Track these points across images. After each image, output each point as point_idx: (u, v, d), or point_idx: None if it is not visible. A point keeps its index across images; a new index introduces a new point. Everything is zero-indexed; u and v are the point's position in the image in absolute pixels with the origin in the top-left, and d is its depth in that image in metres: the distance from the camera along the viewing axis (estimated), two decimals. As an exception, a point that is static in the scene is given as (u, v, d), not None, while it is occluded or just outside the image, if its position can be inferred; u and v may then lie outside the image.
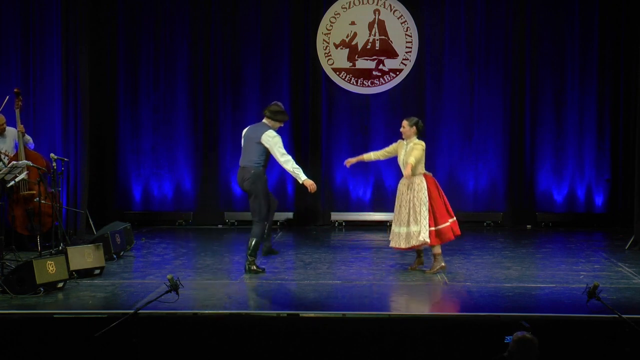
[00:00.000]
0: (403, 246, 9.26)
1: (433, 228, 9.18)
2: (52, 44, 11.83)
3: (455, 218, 9.39)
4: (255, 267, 9.27)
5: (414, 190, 9.22)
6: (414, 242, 9.17)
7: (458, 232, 9.41)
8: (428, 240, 9.13)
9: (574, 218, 13.26)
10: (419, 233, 9.12)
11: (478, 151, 13.36)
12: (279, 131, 9.41)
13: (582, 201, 13.32)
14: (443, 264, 9.35)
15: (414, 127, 9.35)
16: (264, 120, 9.41)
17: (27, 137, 10.87)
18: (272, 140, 9.23)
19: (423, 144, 9.33)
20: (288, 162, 9.23)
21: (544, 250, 11.16)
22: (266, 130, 9.28)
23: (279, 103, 9.56)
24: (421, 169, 9.29)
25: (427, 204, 9.18)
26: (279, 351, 7.06)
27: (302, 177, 9.19)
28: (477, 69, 13.30)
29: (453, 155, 13.39)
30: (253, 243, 9.26)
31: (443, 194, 9.41)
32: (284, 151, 9.26)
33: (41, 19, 11.84)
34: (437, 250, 9.34)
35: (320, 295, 8.28)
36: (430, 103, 13.37)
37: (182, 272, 9.10)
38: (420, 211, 9.15)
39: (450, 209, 9.37)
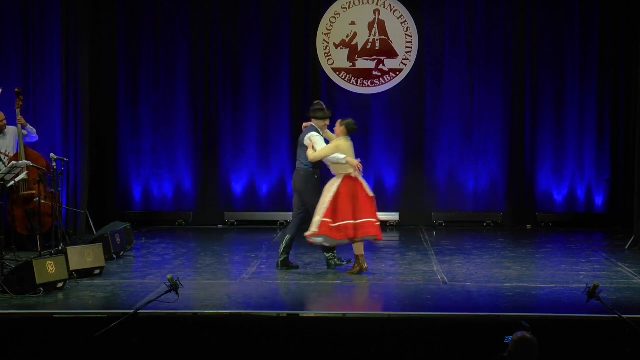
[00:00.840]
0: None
1: (328, 219, 9.13)
2: (52, 44, 11.82)
3: (368, 220, 9.19)
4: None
5: (329, 185, 9.33)
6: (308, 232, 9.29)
7: (360, 234, 9.20)
8: (315, 230, 9.14)
9: (574, 218, 13.27)
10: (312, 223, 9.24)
11: (478, 151, 13.36)
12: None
13: (582, 201, 13.32)
14: (365, 266, 9.31)
15: (343, 127, 9.41)
16: (312, 122, 9.56)
17: (30, 127, 10.83)
18: (310, 141, 9.39)
19: (338, 142, 9.32)
20: (321, 154, 9.30)
21: (544, 250, 11.17)
22: (309, 132, 9.44)
23: (320, 102, 9.76)
24: (343, 169, 9.27)
25: (330, 200, 9.16)
26: (279, 351, 7.06)
27: (340, 157, 9.21)
28: (477, 69, 13.30)
29: (453, 155, 13.39)
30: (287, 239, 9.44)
31: (362, 198, 9.24)
32: (318, 147, 9.33)
33: (41, 19, 11.84)
34: (358, 251, 9.29)
35: (320, 295, 8.28)
36: (430, 103, 13.37)
37: (182, 272, 9.09)
38: (321, 203, 9.22)
39: (361, 214, 9.19)
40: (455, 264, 9.90)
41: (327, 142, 9.48)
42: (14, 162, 9.96)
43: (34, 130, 10.90)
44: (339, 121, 9.51)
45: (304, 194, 9.48)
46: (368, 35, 13.31)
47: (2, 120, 10.69)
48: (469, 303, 7.95)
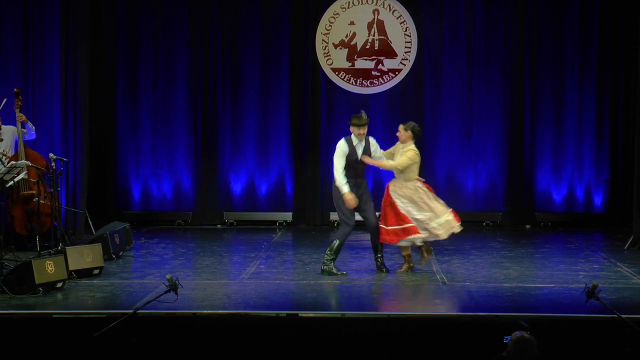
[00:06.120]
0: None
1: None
2: (52, 44, 11.81)
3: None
4: (334, 269, 9.22)
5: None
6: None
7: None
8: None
9: (573, 218, 13.27)
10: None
11: (477, 151, 13.36)
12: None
13: (581, 201, 13.32)
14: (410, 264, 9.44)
15: (409, 132, 9.35)
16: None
17: (31, 124, 10.82)
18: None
19: (417, 150, 9.34)
20: (335, 172, 9.29)
21: (543, 250, 11.16)
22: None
23: (361, 111, 9.55)
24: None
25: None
26: (279, 351, 7.05)
27: (344, 189, 9.18)
28: (476, 68, 13.31)
29: (452, 155, 13.39)
30: (335, 245, 9.25)
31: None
32: (335, 161, 9.28)
33: (40, 19, 11.82)
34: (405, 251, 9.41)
35: (320, 295, 8.28)
36: (430, 103, 13.37)
37: (181, 272, 9.09)
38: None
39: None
40: (454, 264, 9.91)
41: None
42: (13, 162, 9.96)
43: (34, 128, 10.90)
44: (401, 126, 9.41)
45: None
46: (367, 35, 13.31)
47: None
48: (468, 303, 7.95)
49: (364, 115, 9.38)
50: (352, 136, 9.34)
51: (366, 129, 9.34)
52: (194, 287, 8.46)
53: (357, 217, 9.43)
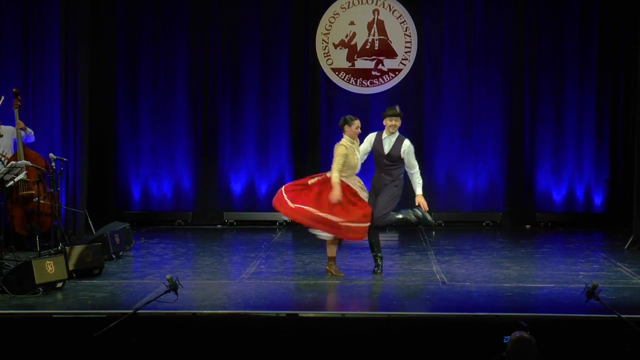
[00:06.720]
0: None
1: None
2: (52, 44, 11.81)
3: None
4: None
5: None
6: None
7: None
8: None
9: (573, 218, 13.27)
10: None
11: (477, 151, 13.36)
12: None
13: (581, 201, 13.32)
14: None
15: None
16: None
17: (29, 129, 10.83)
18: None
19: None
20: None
21: (543, 250, 11.16)
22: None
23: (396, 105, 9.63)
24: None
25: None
26: (279, 351, 7.05)
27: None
28: (476, 68, 13.31)
29: (452, 155, 13.39)
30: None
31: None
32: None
33: (40, 19, 11.83)
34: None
35: (320, 295, 8.28)
36: (430, 103, 13.38)
37: (181, 272, 9.08)
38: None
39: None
40: (454, 264, 9.90)
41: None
42: (12, 162, 9.96)
43: (32, 132, 10.91)
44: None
45: None
46: (367, 35, 13.31)
47: None
48: (468, 303, 7.95)
49: (397, 107, 9.49)
50: (384, 131, 9.37)
51: (399, 121, 9.37)
52: (194, 287, 8.46)
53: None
